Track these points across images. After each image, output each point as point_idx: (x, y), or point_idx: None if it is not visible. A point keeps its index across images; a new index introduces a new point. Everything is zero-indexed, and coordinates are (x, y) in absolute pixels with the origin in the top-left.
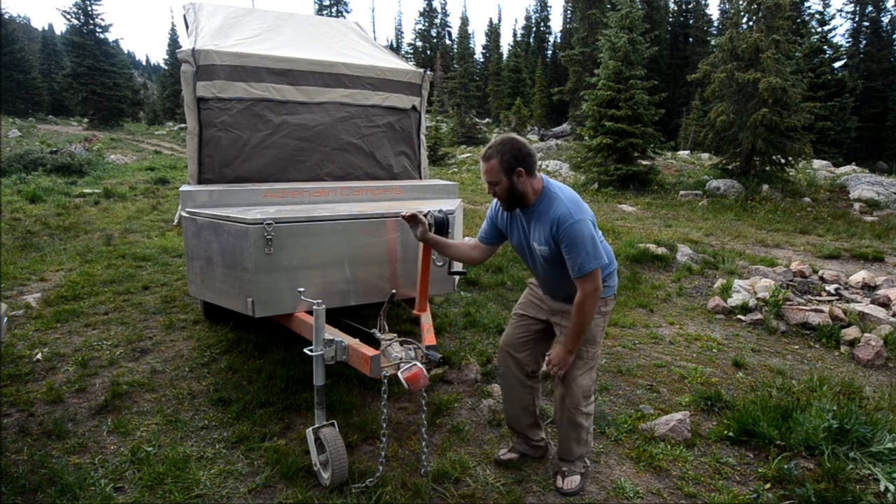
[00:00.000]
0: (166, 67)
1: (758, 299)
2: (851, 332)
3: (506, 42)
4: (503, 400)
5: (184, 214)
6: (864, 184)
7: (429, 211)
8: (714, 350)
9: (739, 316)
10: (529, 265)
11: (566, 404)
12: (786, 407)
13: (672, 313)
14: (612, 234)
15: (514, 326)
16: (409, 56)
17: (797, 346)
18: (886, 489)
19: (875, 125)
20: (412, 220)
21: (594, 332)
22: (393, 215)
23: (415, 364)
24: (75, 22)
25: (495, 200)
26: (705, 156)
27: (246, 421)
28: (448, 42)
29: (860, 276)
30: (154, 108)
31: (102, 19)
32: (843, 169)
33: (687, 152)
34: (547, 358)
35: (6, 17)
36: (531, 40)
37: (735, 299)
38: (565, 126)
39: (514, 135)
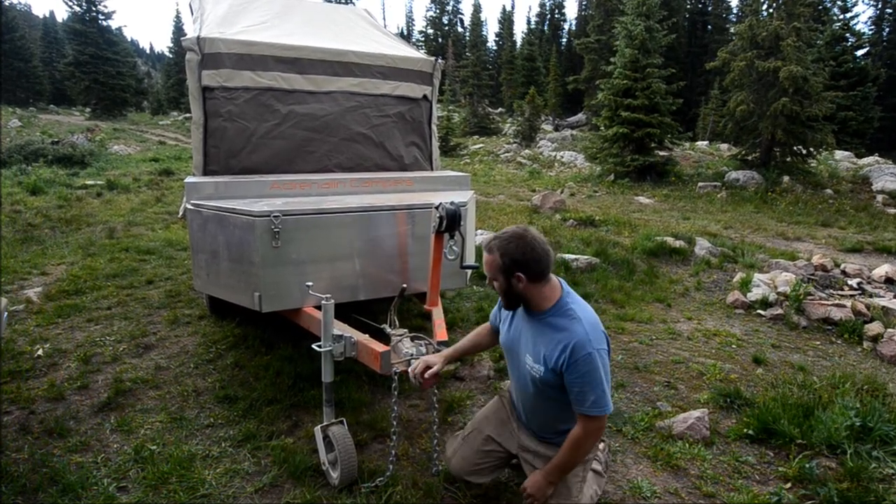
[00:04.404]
0: (171, 56)
1: (778, 294)
2: (874, 328)
3: (519, 30)
4: None
5: (189, 207)
6: (887, 175)
7: (440, 203)
8: (733, 346)
9: (759, 311)
10: (512, 374)
11: None
12: (807, 404)
13: (690, 308)
14: (629, 226)
15: (475, 451)
16: (420, 44)
17: (819, 342)
18: None
19: None
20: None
21: (569, 482)
22: (404, 208)
23: None
24: (77, 9)
25: None
26: (724, 146)
27: (252, 419)
28: (460, 30)
29: (883, 269)
30: (158, 98)
31: (105, 6)
32: (865, 160)
33: (705, 143)
34: (523, 486)
35: (6, 3)
36: (545, 28)
37: (755, 294)
38: (580, 116)
39: (527, 231)
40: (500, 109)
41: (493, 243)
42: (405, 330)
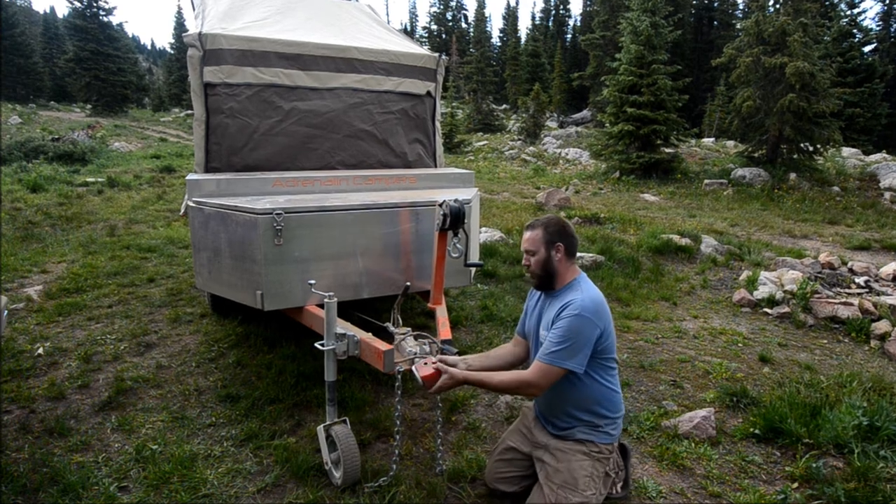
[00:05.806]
0: (172, 52)
1: (785, 292)
2: (882, 326)
3: (524, 25)
4: None
5: (190, 204)
6: (894, 172)
7: (444, 200)
8: (739, 344)
9: (766, 309)
10: (533, 357)
11: None
12: (814, 403)
13: (696, 306)
14: (634, 224)
15: (497, 460)
16: (424, 40)
17: (826, 341)
18: None
19: None
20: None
21: (577, 475)
22: (407, 205)
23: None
24: (78, 4)
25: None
26: (730, 143)
27: (255, 418)
28: (464, 26)
29: (891, 267)
30: (159, 94)
31: (106, 2)
32: (873, 157)
33: (711, 140)
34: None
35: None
36: (550, 24)
37: (761, 292)
38: (585, 112)
39: (563, 216)
40: (504, 106)
41: (535, 222)
42: (409, 328)
